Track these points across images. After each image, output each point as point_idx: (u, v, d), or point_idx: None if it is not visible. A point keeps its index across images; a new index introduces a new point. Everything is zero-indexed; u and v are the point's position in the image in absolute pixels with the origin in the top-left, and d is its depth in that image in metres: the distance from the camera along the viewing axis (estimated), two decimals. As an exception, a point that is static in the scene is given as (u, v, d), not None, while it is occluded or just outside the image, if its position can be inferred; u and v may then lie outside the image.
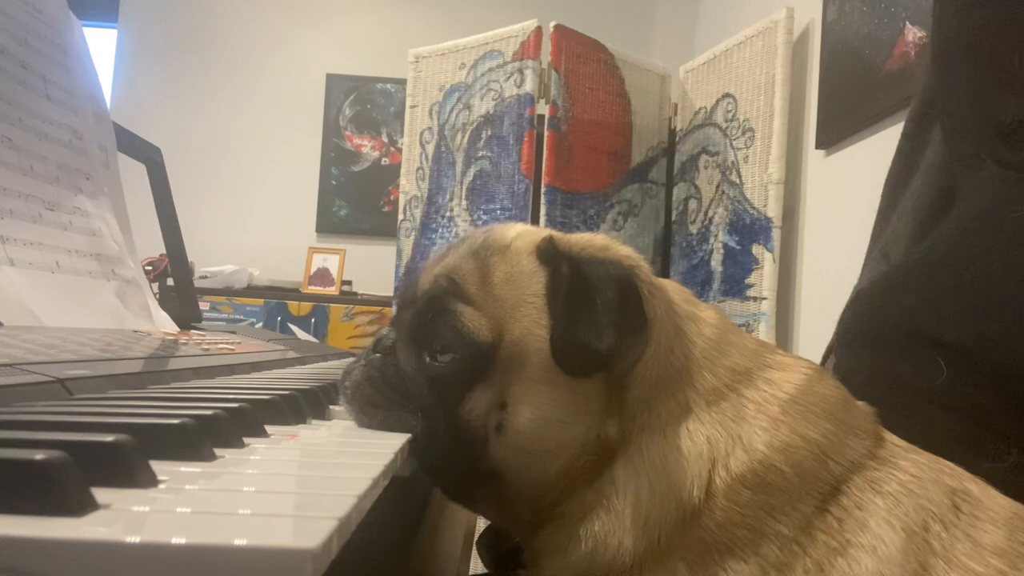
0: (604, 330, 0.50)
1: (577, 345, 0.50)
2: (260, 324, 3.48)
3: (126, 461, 0.29)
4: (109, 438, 0.29)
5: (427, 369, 0.54)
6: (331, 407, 0.62)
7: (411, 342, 0.56)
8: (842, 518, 0.47)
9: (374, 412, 0.54)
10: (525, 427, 0.51)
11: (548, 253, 0.54)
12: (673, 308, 0.55)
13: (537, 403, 0.51)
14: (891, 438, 0.54)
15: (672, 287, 0.57)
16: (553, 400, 0.51)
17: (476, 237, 0.58)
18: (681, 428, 0.50)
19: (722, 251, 2.58)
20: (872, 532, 0.46)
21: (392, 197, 4.05)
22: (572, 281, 0.52)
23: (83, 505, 0.25)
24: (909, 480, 0.49)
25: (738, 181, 2.53)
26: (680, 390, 0.52)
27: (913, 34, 1.76)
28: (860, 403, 0.56)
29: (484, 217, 2.65)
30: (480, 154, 2.69)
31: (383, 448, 0.42)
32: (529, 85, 2.59)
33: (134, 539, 0.22)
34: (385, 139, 4.22)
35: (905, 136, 0.82)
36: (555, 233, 0.57)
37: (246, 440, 0.40)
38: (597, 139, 2.72)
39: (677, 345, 0.53)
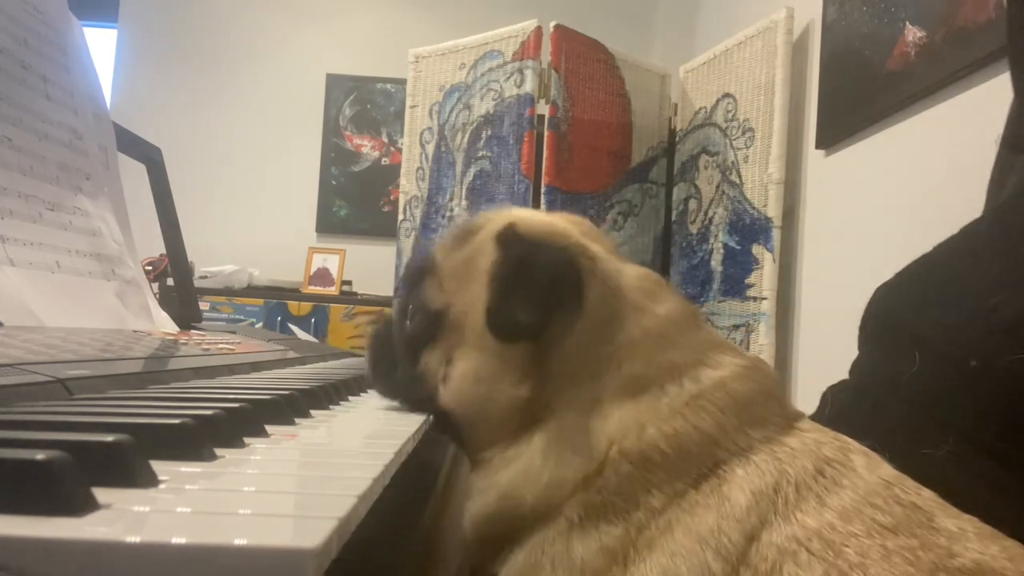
0: (528, 306, 0.58)
1: (504, 316, 0.59)
2: (260, 324, 3.48)
3: (126, 461, 0.29)
4: (109, 438, 0.29)
5: (403, 329, 0.67)
6: (331, 407, 0.62)
7: (399, 307, 0.67)
8: (703, 488, 0.53)
9: (374, 365, 0.70)
10: (461, 379, 0.61)
11: (504, 237, 0.62)
12: (618, 297, 0.60)
13: (471, 361, 0.61)
14: (802, 426, 0.58)
15: (635, 278, 0.63)
16: (484, 361, 0.60)
17: (470, 220, 0.67)
18: (596, 408, 0.56)
19: (722, 251, 2.58)
20: (722, 495, 0.52)
21: (392, 197, 4.05)
22: (514, 261, 0.60)
23: (84, 505, 0.25)
24: (782, 452, 0.54)
25: (738, 181, 2.53)
26: (606, 373, 0.57)
27: (913, 34, 1.76)
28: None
29: (484, 217, 2.65)
30: (480, 154, 2.69)
31: (383, 448, 0.42)
32: (529, 85, 2.59)
33: (134, 539, 0.22)
34: (385, 139, 4.22)
35: (1006, 133, 0.82)
36: (524, 219, 0.64)
37: (246, 440, 0.40)
38: (597, 139, 2.72)
39: (608, 332, 0.59)
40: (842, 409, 0.73)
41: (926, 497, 0.52)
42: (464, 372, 0.61)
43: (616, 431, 0.55)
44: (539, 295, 0.58)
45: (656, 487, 0.53)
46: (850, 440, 0.57)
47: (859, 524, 0.49)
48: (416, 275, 0.66)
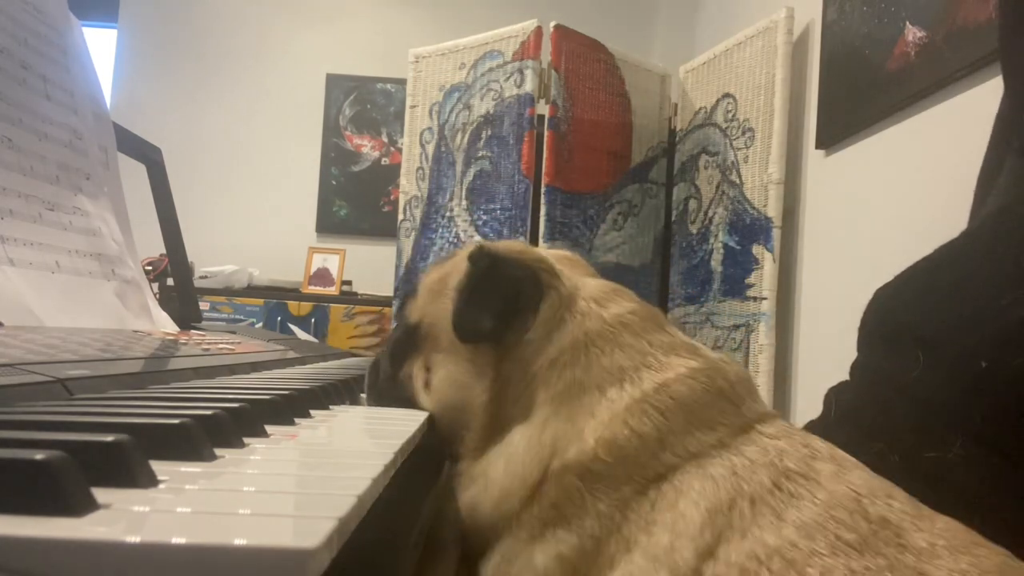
0: (489, 310, 0.63)
1: (466, 318, 0.64)
2: (260, 324, 3.48)
3: (126, 461, 0.29)
4: (109, 438, 0.29)
5: (389, 343, 0.74)
6: (331, 407, 0.62)
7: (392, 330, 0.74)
8: (656, 500, 0.53)
9: (369, 386, 0.75)
10: (438, 384, 0.67)
11: (475, 254, 0.66)
12: (568, 305, 0.63)
13: (446, 366, 0.67)
14: (765, 430, 0.57)
15: (591, 287, 0.66)
16: (458, 367, 0.66)
17: (455, 249, 0.73)
18: (543, 421, 0.59)
19: (722, 251, 2.58)
20: (677, 511, 0.51)
21: (392, 197, 4.05)
22: (480, 271, 0.65)
23: (83, 505, 0.25)
24: (740, 464, 0.53)
25: (738, 181, 2.53)
26: (550, 380, 0.60)
27: (913, 34, 1.76)
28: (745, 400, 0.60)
29: (484, 217, 2.65)
30: (480, 154, 2.69)
31: (383, 447, 0.42)
32: (529, 85, 2.59)
33: (134, 539, 0.22)
34: (385, 139, 4.22)
35: (994, 132, 0.82)
36: (496, 243, 0.69)
37: (246, 440, 0.40)
38: (597, 139, 2.72)
39: (555, 336, 0.62)
40: (847, 411, 0.73)
41: (897, 508, 0.50)
42: (442, 378, 0.67)
43: (558, 441, 0.57)
44: (500, 301, 0.63)
45: (601, 493, 0.54)
46: (820, 445, 0.56)
47: (822, 541, 0.48)
48: (405, 297, 0.73)
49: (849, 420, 0.68)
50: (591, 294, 0.65)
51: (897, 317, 0.71)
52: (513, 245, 0.69)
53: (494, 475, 0.59)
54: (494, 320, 0.63)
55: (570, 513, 0.54)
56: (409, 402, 0.70)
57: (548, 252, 0.71)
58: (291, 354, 1.05)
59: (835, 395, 0.77)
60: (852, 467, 0.54)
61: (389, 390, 0.72)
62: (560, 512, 0.55)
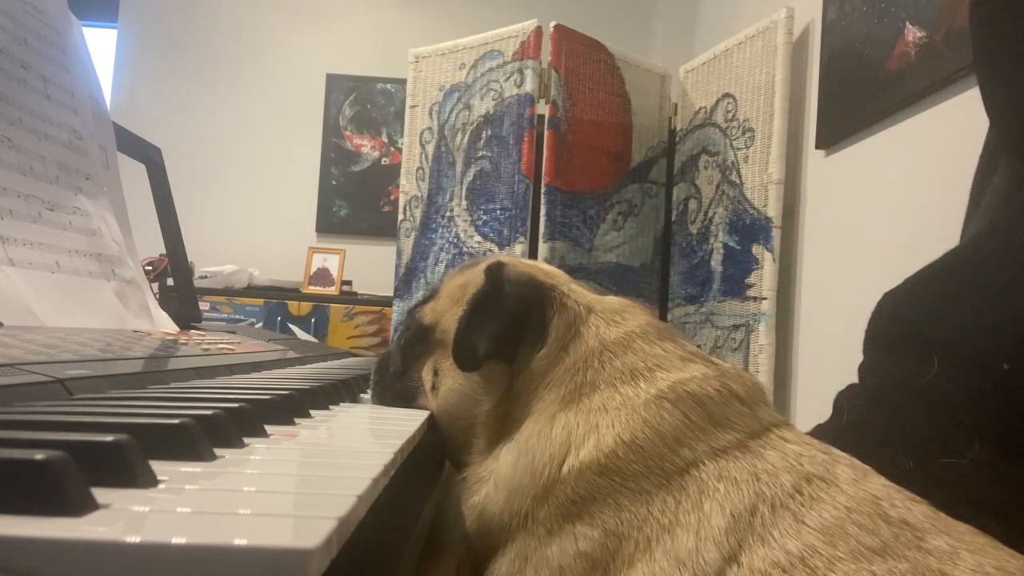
0: (486, 337, 0.63)
1: (463, 344, 0.64)
2: (260, 324, 3.47)
3: (126, 461, 0.29)
4: (109, 438, 0.29)
5: (400, 339, 0.74)
6: (331, 407, 0.62)
7: (401, 324, 0.77)
8: (680, 500, 0.53)
9: (374, 384, 0.75)
10: (446, 394, 0.67)
11: (490, 271, 0.67)
12: (583, 319, 0.64)
13: (455, 377, 0.67)
14: (782, 434, 0.57)
15: (603, 303, 0.67)
16: (465, 378, 0.66)
17: (483, 257, 0.74)
18: (552, 416, 0.59)
19: (722, 251, 2.58)
20: (703, 513, 0.51)
21: (392, 197, 4.05)
22: (487, 292, 0.65)
23: (83, 505, 0.25)
24: (762, 468, 0.53)
25: (738, 181, 2.53)
26: (563, 383, 0.60)
27: (913, 34, 1.76)
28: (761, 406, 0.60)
29: (484, 217, 2.65)
30: (480, 154, 2.69)
31: (383, 447, 0.42)
32: (529, 85, 2.59)
33: (134, 539, 0.22)
34: (385, 139, 4.22)
35: (990, 130, 0.82)
36: (517, 261, 0.70)
37: (246, 440, 0.40)
38: (597, 139, 2.71)
39: (569, 347, 0.62)
40: (860, 417, 0.72)
41: (917, 512, 0.51)
42: (451, 388, 0.67)
43: (572, 435, 0.57)
44: (504, 322, 0.63)
45: (623, 488, 0.54)
46: (836, 451, 0.56)
47: (843, 547, 0.48)
48: (424, 296, 0.74)
49: (861, 426, 0.68)
50: (605, 308, 0.66)
51: (909, 321, 0.71)
52: (530, 267, 0.69)
53: (503, 473, 0.59)
54: (492, 344, 0.63)
55: (591, 509, 0.54)
56: (415, 401, 0.70)
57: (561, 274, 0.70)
58: (291, 354, 1.05)
59: (846, 400, 0.76)
60: (868, 473, 0.54)
61: (396, 388, 0.72)
62: (580, 508, 0.54)
